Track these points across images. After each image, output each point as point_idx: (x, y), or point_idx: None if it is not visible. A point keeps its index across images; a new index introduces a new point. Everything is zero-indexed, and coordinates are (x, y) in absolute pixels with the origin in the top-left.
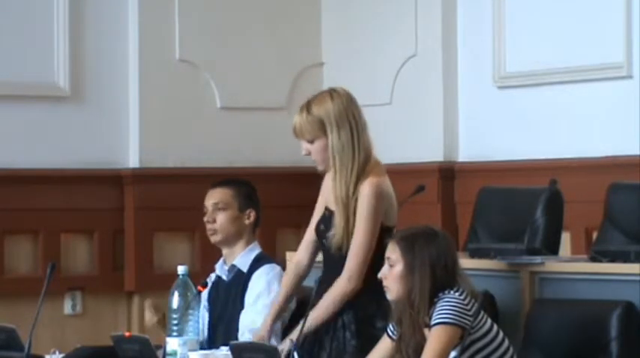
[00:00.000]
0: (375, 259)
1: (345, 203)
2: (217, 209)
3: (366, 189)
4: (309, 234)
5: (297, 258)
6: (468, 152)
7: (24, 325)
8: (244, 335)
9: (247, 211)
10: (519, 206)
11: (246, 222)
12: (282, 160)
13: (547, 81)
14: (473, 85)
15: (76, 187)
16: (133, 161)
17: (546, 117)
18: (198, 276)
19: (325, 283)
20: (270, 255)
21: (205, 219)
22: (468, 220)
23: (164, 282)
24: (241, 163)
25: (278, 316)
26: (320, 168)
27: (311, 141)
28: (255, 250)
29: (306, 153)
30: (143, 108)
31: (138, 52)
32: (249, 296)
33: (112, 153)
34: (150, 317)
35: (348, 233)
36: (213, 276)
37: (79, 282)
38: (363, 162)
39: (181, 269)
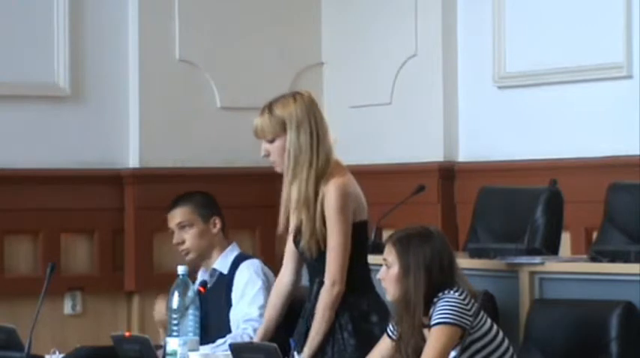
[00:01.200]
0: (355, 256)
1: (307, 205)
2: (182, 228)
3: (330, 192)
4: (289, 246)
5: (279, 277)
6: (468, 152)
7: (24, 325)
8: (239, 326)
9: (211, 220)
10: (519, 206)
11: (214, 230)
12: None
13: (547, 81)
14: (473, 85)
15: (76, 187)
16: (133, 161)
17: (546, 117)
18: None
19: (315, 298)
20: (270, 255)
21: (174, 241)
22: (468, 220)
23: (164, 282)
24: (241, 163)
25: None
26: (278, 169)
27: (271, 141)
28: (234, 251)
29: (266, 153)
30: (143, 108)
31: (138, 52)
32: (236, 292)
33: (112, 153)
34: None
35: (315, 234)
36: (196, 283)
37: (79, 282)
38: (322, 166)
39: (181, 269)
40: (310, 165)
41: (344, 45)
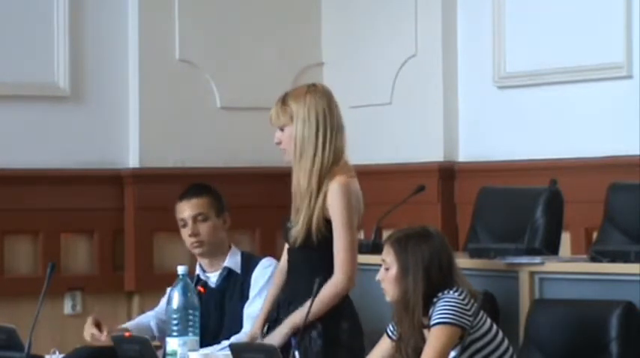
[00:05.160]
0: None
1: (307, 196)
2: (198, 221)
3: (334, 188)
4: None
5: (280, 265)
6: (468, 152)
7: (24, 325)
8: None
9: (223, 216)
10: (519, 206)
11: (224, 227)
12: (281, 160)
13: (547, 81)
14: (473, 85)
15: (76, 187)
16: (133, 161)
17: (546, 117)
18: None
19: (290, 289)
20: (270, 255)
21: (189, 232)
22: (468, 220)
23: (164, 282)
24: (241, 163)
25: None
26: (286, 158)
27: (282, 129)
28: (237, 251)
29: (277, 141)
30: (143, 108)
31: (138, 52)
32: (254, 288)
33: (112, 153)
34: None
35: (309, 225)
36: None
37: (79, 282)
38: (328, 161)
39: (181, 269)
40: (314, 157)
41: (344, 45)
